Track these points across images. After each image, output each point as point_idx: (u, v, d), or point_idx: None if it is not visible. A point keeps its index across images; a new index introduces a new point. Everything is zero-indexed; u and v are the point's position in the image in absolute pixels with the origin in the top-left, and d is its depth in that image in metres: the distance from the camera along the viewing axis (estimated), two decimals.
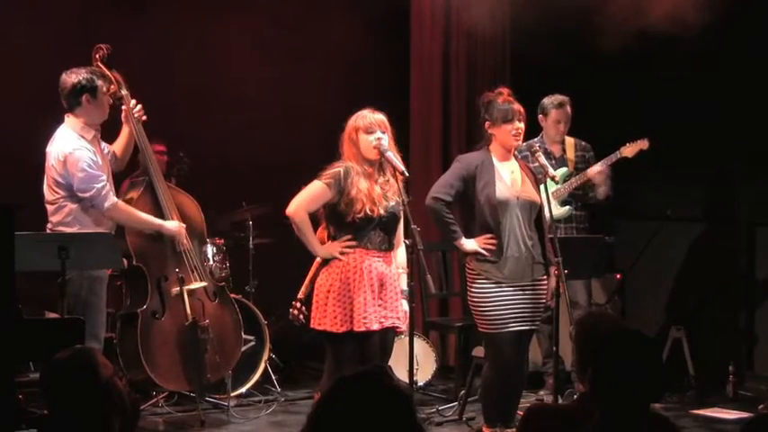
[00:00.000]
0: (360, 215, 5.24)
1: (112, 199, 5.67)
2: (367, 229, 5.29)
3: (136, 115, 5.90)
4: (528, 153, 6.29)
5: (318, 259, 5.39)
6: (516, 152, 5.77)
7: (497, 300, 5.53)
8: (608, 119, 7.46)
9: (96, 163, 5.62)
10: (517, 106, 5.62)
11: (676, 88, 7.38)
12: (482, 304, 5.55)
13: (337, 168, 5.29)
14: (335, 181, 5.26)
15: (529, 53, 7.47)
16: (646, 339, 3.17)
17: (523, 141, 5.96)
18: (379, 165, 5.35)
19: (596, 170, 6.88)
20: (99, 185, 5.59)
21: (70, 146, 5.59)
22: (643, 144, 6.89)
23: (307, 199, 5.32)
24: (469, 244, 5.58)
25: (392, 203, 5.32)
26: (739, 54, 7.29)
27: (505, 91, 5.70)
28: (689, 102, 7.29)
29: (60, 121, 5.73)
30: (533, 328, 5.70)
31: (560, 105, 6.99)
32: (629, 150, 6.90)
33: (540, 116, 7.02)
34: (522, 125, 5.63)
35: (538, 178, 5.72)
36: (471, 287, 5.60)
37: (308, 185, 5.34)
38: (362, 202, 5.23)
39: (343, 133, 5.37)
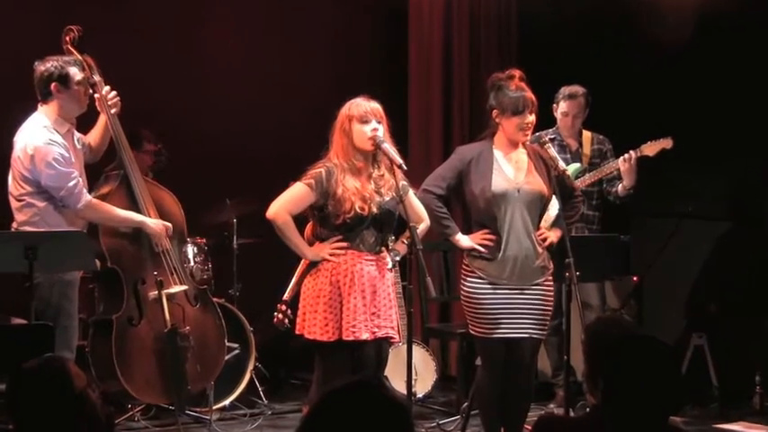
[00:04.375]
0: (350, 215, 5.25)
1: (86, 197, 5.66)
2: (359, 229, 5.30)
3: (109, 103, 5.88)
4: (538, 145, 6.21)
5: (306, 260, 5.41)
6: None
7: (489, 301, 5.50)
8: (627, 110, 7.48)
9: (68, 159, 5.60)
10: (529, 95, 5.52)
11: (701, 77, 7.40)
12: (473, 304, 5.54)
13: (318, 169, 5.31)
14: (317, 182, 5.28)
15: (539, 36, 7.50)
16: (663, 347, 3.18)
17: (534, 133, 5.93)
18: (372, 157, 5.37)
19: (620, 160, 6.89)
20: (70, 184, 5.58)
21: (40, 139, 5.56)
22: (666, 143, 6.89)
23: (288, 201, 5.36)
24: (464, 240, 5.58)
25: (387, 199, 5.34)
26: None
27: (518, 74, 5.59)
28: (713, 92, 7.31)
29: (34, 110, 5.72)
30: (535, 337, 5.60)
31: (571, 97, 7.00)
32: (650, 149, 6.90)
33: (554, 105, 7.06)
34: (532, 118, 5.54)
35: (551, 167, 5.65)
36: (463, 285, 5.59)
37: (290, 187, 5.37)
38: (351, 201, 5.24)
39: (335, 122, 5.38)
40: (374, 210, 5.29)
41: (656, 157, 6.92)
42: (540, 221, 5.63)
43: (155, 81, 7.71)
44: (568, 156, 6.94)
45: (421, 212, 5.55)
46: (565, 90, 7.05)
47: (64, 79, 5.65)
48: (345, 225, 5.28)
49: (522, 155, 5.64)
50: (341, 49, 8.19)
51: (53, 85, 5.64)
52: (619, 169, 6.93)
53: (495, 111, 5.59)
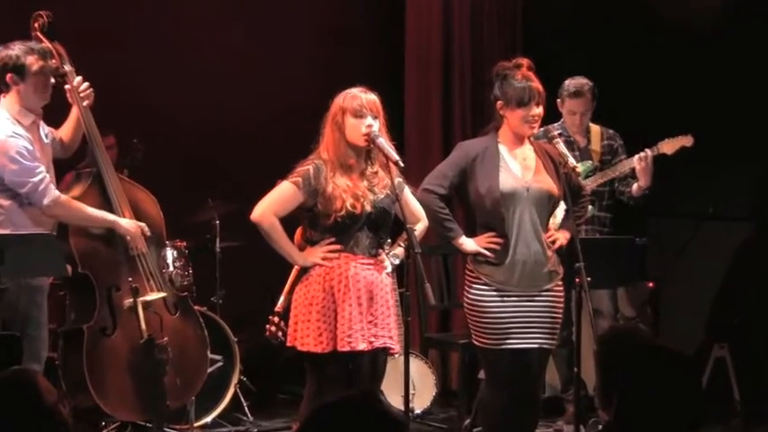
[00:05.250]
0: (341, 213, 5.25)
1: (53, 193, 5.65)
2: (353, 230, 5.31)
3: (81, 95, 5.88)
4: (545, 141, 6.08)
5: (297, 267, 5.41)
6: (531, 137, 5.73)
7: (496, 309, 5.50)
8: (642, 105, 7.49)
9: (32, 153, 5.59)
10: (536, 85, 5.53)
11: (724, 67, 7.42)
12: (478, 313, 5.54)
13: (306, 167, 5.32)
14: (305, 181, 5.29)
15: (546, 23, 7.51)
16: (682, 359, 3.19)
17: (541, 126, 5.93)
18: (366, 153, 5.38)
19: (636, 159, 6.88)
20: (36, 179, 5.58)
21: (2, 132, 5.56)
22: (686, 141, 6.88)
23: (274, 202, 5.36)
24: (469, 243, 5.57)
25: (381, 197, 5.34)
26: None
27: (525, 63, 5.61)
28: (737, 83, 7.33)
29: None
30: (544, 347, 5.62)
31: (576, 95, 6.96)
32: (668, 147, 6.89)
33: (559, 101, 7.03)
34: (539, 110, 5.55)
35: (560, 165, 5.65)
36: (468, 293, 5.59)
37: (276, 187, 5.37)
38: (342, 199, 5.25)
39: (327, 115, 5.38)
40: (368, 209, 5.29)
41: (672, 156, 6.91)
42: (548, 223, 5.64)
43: (131, 72, 7.72)
44: (577, 153, 6.93)
45: (418, 212, 5.56)
46: (569, 86, 6.99)
47: (19, 70, 5.64)
48: (337, 226, 5.29)
49: (529, 151, 5.64)
50: (329, 35, 8.18)
51: (8, 75, 5.64)
52: (633, 168, 6.92)
53: (499, 102, 5.60)
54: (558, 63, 7.16)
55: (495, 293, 5.52)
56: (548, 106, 5.76)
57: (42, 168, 5.63)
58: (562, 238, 5.63)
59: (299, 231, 5.47)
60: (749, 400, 7.29)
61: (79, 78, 5.89)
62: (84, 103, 5.89)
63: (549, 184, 5.57)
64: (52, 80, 5.77)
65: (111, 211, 5.94)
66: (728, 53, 7.39)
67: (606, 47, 7.77)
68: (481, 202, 5.53)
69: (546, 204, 5.59)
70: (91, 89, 5.90)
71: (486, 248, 5.53)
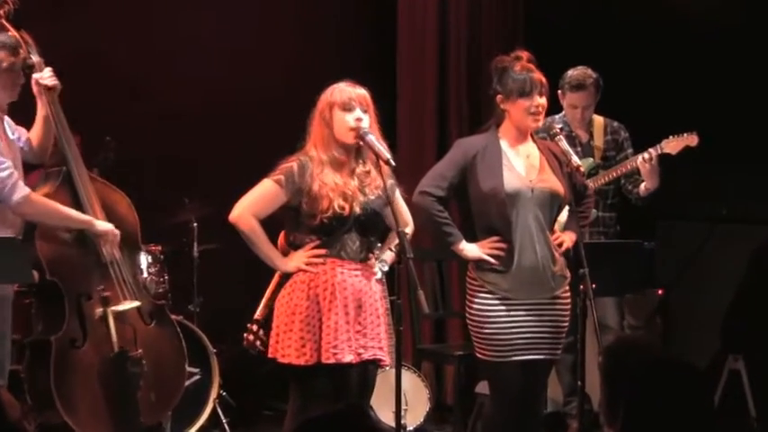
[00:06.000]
0: (328, 214, 5.25)
1: (23, 190, 5.63)
2: (340, 233, 5.31)
3: (47, 83, 5.85)
4: (546, 136, 6.03)
5: (280, 272, 5.42)
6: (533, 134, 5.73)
7: (503, 320, 5.51)
8: (651, 98, 7.50)
9: None
10: (538, 76, 5.55)
11: (736, 58, 7.43)
12: (483, 325, 5.54)
13: (290, 163, 5.32)
14: (288, 179, 5.28)
15: (549, 11, 7.52)
16: (693, 372, 3.20)
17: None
18: (356, 151, 5.39)
19: (639, 161, 6.87)
20: (2, 174, 5.57)
21: None
22: (690, 140, 6.87)
23: (254, 201, 5.36)
24: (471, 249, 5.57)
25: (372, 198, 5.35)
26: None
27: (525, 55, 5.63)
28: (751, 75, 7.34)
29: None
30: (552, 357, 5.68)
31: (578, 87, 6.96)
32: (672, 146, 6.88)
33: (560, 92, 7.03)
34: (543, 101, 5.56)
35: (563, 163, 5.65)
36: (471, 303, 5.59)
37: (257, 185, 5.37)
38: (329, 198, 5.24)
39: (314, 110, 5.39)
40: (357, 210, 5.29)
41: (680, 154, 6.91)
42: (554, 225, 5.65)
43: (103, 65, 7.72)
44: (579, 149, 6.94)
45: (406, 215, 5.56)
46: (571, 78, 6.98)
47: None
48: (323, 228, 5.29)
49: (532, 148, 5.65)
50: (316, 26, 8.19)
51: None
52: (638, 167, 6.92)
53: (499, 96, 5.60)
54: (561, 52, 7.16)
55: (500, 303, 5.52)
56: (551, 98, 5.78)
57: (9, 163, 5.61)
58: (568, 240, 5.64)
59: (282, 236, 5.47)
60: (766, 415, 7.30)
61: (48, 69, 5.87)
62: (50, 83, 5.83)
63: (554, 183, 5.59)
64: (22, 78, 5.77)
65: (82, 212, 5.91)
66: (746, 44, 7.40)
67: (613, 35, 7.77)
68: (484, 203, 5.52)
69: (552, 205, 5.59)
70: (57, 80, 5.87)
71: (489, 254, 5.53)
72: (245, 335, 5.46)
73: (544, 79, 5.58)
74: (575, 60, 7.10)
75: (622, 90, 7.17)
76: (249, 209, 5.35)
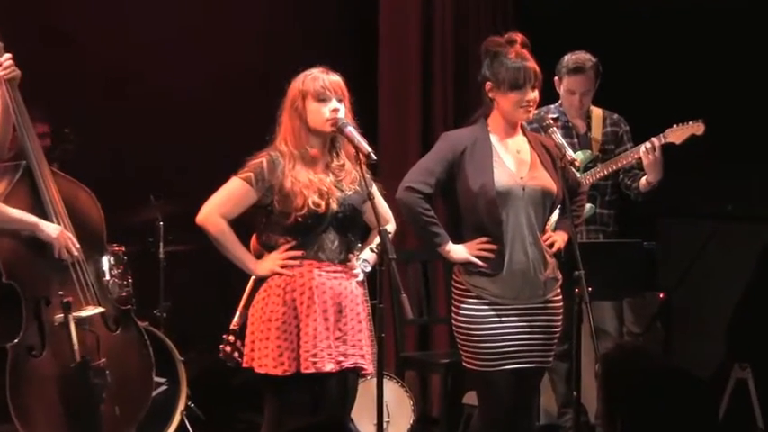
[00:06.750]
0: (303, 212, 5.24)
1: None
2: (317, 232, 5.31)
3: (5, 72, 5.84)
4: (539, 128, 5.97)
5: (254, 277, 5.42)
6: (524, 124, 5.71)
7: (492, 326, 5.49)
8: (653, 88, 7.52)
9: None
10: (532, 65, 5.51)
11: (744, 45, 7.46)
12: (470, 332, 5.53)
13: (259, 159, 5.32)
14: (257, 176, 5.28)
15: None
16: (696, 381, 3.22)
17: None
18: (330, 142, 5.38)
19: (642, 151, 6.87)
20: None
21: None
22: (696, 128, 6.87)
23: (222, 201, 5.35)
24: (458, 251, 5.55)
25: (349, 193, 5.35)
26: None
27: (519, 38, 5.57)
28: (759, 69, 7.37)
29: None
30: (543, 365, 5.68)
31: (577, 71, 6.97)
32: (676, 135, 6.87)
33: (556, 79, 7.04)
34: (535, 95, 5.52)
35: (557, 158, 5.63)
36: (458, 309, 5.57)
37: (225, 184, 5.37)
38: (303, 195, 5.23)
39: (284, 100, 5.39)
40: (334, 206, 5.29)
41: (683, 145, 6.93)
42: (545, 225, 5.66)
43: (64, 55, 7.72)
44: (575, 140, 6.95)
45: (387, 213, 5.57)
46: (569, 62, 6.99)
47: None
48: (299, 227, 5.28)
49: (522, 142, 5.64)
50: (295, 12, 8.19)
51: None
52: (639, 159, 6.91)
53: (488, 83, 5.57)
54: (556, 36, 7.17)
55: (489, 308, 5.51)
56: (545, 88, 5.78)
57: None
58: (560, 240, 5.65)
59: (254, 237, 5.46)
60: None
61: (7, 55, 5.84)
62: (14, 86, 5.83)
63: (546, 180, 5.57)
64: None
65: (42, 211, 5.89)
66: (752, 33, 7.42)
67: (611, 20, 7.78)
68: (472, 202, 5.50)
69: (544, 204, 5.58)
70: (16, 69, 5.86)
71: (478, 256, 5.52)
72: (221, 346, 5.43)
73: (538, 69, 5.55)
74: (570, 46, 7.11)
75: (621, 81, 7.18)
76: (217, 209, 5.34)
